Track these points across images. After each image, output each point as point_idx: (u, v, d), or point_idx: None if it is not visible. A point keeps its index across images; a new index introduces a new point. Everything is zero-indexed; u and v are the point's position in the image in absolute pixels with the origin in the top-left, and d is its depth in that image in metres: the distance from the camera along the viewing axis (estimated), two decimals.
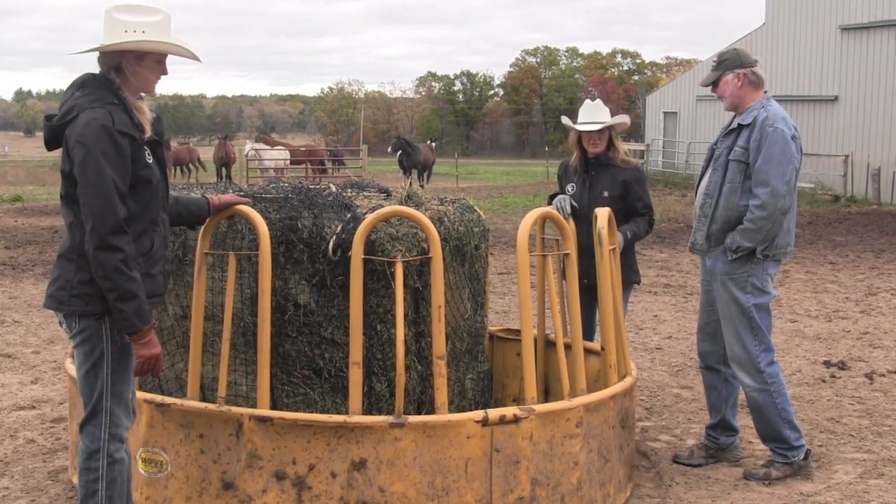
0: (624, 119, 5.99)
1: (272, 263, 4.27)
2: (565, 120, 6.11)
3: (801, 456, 5.24)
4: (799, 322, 9.69)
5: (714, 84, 5.30)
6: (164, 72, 3.72)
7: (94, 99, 3.53)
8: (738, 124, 5.19)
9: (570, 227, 5.05)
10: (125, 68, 3.61)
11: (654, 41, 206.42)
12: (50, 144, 3.63)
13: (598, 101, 6.02)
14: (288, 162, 33.37)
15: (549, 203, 5.82)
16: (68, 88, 3.66)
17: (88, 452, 3.67)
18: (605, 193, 5.82)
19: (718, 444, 5.51)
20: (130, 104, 3.61)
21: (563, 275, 5.23)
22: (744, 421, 6.08)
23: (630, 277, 5.88)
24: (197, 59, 3.79)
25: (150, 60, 3.65)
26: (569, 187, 5.93)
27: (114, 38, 3.57)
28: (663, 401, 6.84)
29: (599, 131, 5.85)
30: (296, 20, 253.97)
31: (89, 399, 3.66)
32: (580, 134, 5.91)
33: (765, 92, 5.27)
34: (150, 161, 3.65)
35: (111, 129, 3.46)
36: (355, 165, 37.81)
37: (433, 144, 38.17)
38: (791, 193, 5.06)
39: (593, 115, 5.90)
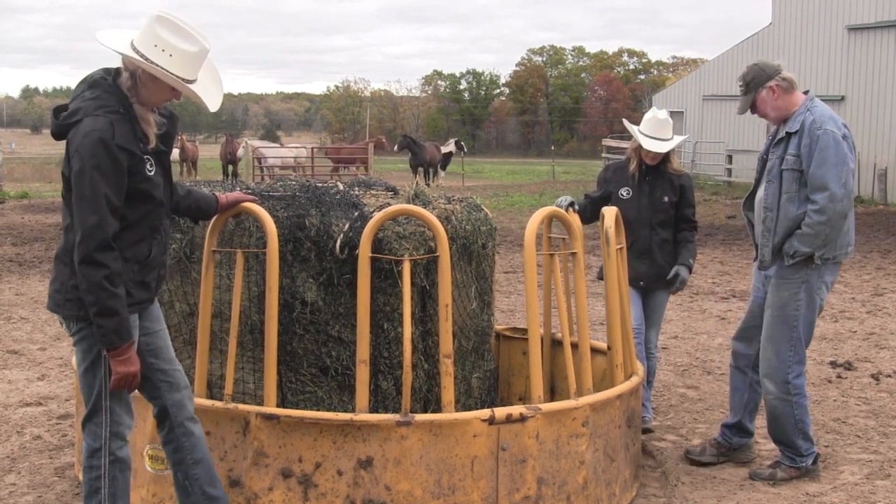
0: (685, 137, 6.04)
1: (279, 261, 4.28)
2: (629, 125, 6.00)
3: (810, 462, 5.23)
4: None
5: (752, 107, 5.17)
6: (177, 98, 3.65)
7: (99, 105, 3.47)
8: (786, 132, 5.06)
9: (576, 221, 5.04)
10: (139, 77, 3.55)
11: (665, 40, 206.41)
12: (57, 137, 3.61)
13: (667, 116, 5.91)
14: (300, 159, 33.34)
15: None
16: (79, 84, 3.61)
17: (91, 450, 3.67)
18: (666, 199, 5.88)
19: (731, 443, 5.49)
20: (136, 114, 3.55)
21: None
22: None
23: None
24: (205, 105, 3.70)
25: (163, 84, 3.56)
26: (623, 191, 5.90)
27: (142, 46, 3.50)
28: (669, 400, 6.84)
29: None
30: (307, 18, 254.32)
31: (89, 397, 3.66)
32: (642, 146, 5.85)
33: (806, 92, 5.16)
34: (152, 173, 3.59)
35: (109, 142, 3.40)
36: (349, 164, 37.81)
37: (460, 143, 38.42)
38: (849, 196, 4.92)
39: (660, 130, 5.82)
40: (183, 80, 3.55)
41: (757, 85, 5.12)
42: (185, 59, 3.53)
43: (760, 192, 5.22)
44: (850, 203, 4.97)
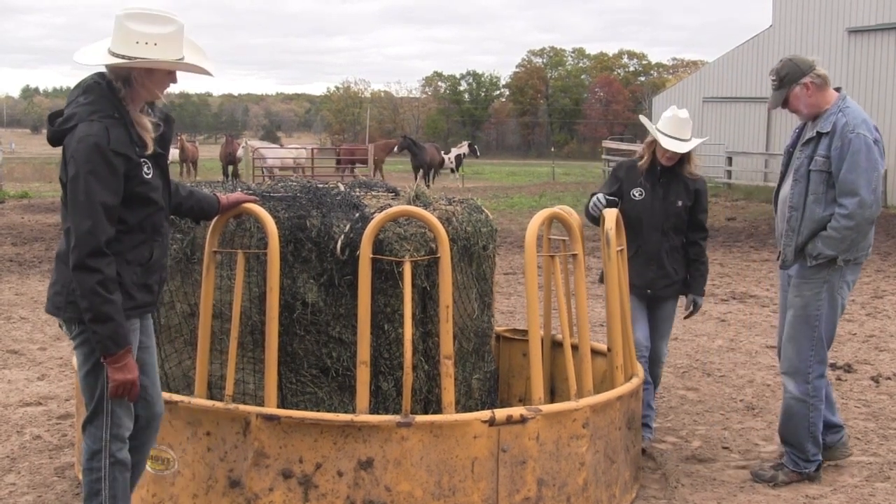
0: (705, 139, 5.73)
1: (280, 262, 4.28)
2: (647, 122, 5.72)
3: (813, 469, 5.22)
4: None
5: (784, 102, 5.10)
6: (174, 80, 3.65)
7: (93, 110, 3.46)
8: (817, 132, 5.00)
9: (576, 223, 4.99)
10: (134, 80, 3.54)
11: (665, 42, 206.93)
12: (53, 143, 3.60)
13: (687, 115, 5.61)
14: (300, 160, 33.35)
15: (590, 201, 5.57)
16: (74, 89, 3.60)
17: (91, 453, 3.67)
18: (679, 203, 5.62)
19: (825, 443, 5.38)
20: (131, 118, 3.54)
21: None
22: (750, 423, 6.08)
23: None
24: (209, 74, 3.70)
25: (161, 73, 3.58)
26: (635, 192, 5.62)
27: (124, 48, 3.48)
28: (669, 402, 6.84)
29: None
30: (308, 19, 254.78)
31: (90, 400, 3.65)
32: (657, 143, 5.57)
33: (838, 89, 5.10)
34: (149, 176, 3.58)
35: (104, 147, 3.39)
36: (362, 165, 37.89)
37: (474, 146, 38.71)
38: (878, 202, 4.89)
39: (681, 130, 5.53)
40: (177, 61, 3.55)
41: (791, 80, 5.04)
42: (168, 41, 3.53)
43: (786, 189, 5.18)
44: (879, 209, 4.95)
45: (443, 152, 37.39)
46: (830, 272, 5.01)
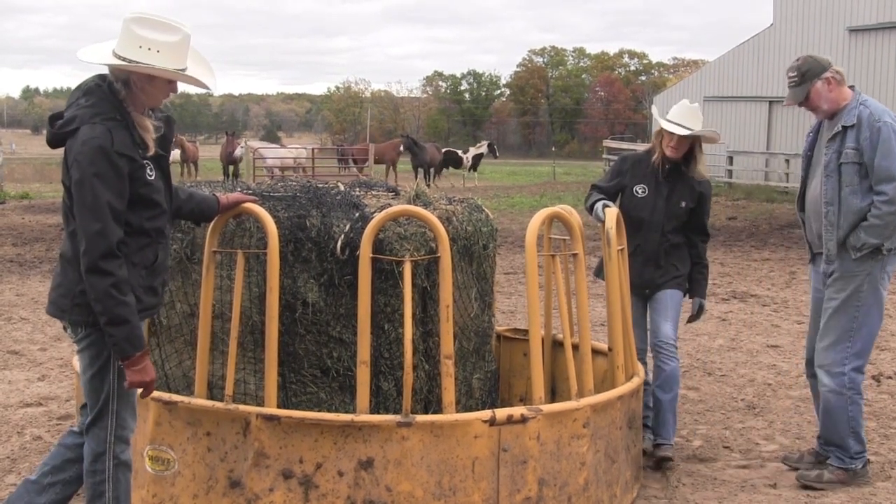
0: (712, 134, 5.56)
1: (280, 262, 4.28)
2: (654, 111, 5.62)
3: (860, 465, 5.17)
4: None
5: (804, 98, 5.10)
6: (174, 90, 3.64)
7: (95, 112, 3.45)
8: (842, 126, 5.03)
9: (577, 222, 4.96)
10: (133, 84, 3.52)
11: (666, 42, 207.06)
12: (53, 146, 3.59)
13: (696, 106, 5.50)
14: (301, 160, 33.30)
15: (591, 195, 5.52)
16: (74, 90, 3.59)
17: (94, 455, 3.65)
18: (683, 204, 5.50)
19: (828, 453, 5.32)
20: (133, 120, 3.53)
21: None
22: (751, 422, 6.05)
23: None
24: (207, 89, 3.71)
25: (161, 81, 3.56)
26: (638, 188, 5.52)
27: (127, 51, 3.48)
28: None
29: (683, 136, 5.39)
30: (309, 19, 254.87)
31: (95, 402, 3.63)
32: (663, 133, 5.47)
33: (851, 87, 5.13)
34: (152, 178, 3.57)
35: (108, 149, 3.38)
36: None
37: (493, 146, 38.55)
38: None
39: (687, 118, 5.41)
40: (177, 71, 3.54)
41: (812, 76, 5.06)
42: (172, 50, 3.51)
43: (814, 189, 5.18)
44: None
45: (461, 151, 37.25)
46: (874, 263, 5.01)
